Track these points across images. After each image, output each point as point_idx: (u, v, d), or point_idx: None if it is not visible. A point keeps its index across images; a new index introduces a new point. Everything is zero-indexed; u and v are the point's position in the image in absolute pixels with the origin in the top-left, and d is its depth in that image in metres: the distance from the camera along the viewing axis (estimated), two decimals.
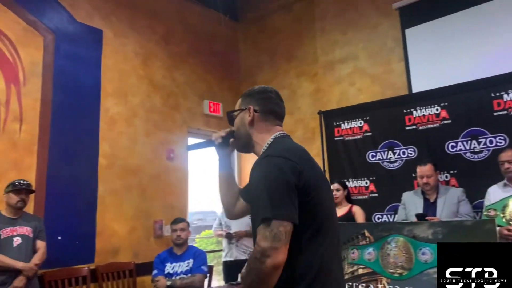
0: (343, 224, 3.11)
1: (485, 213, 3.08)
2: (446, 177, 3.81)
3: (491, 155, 3.56)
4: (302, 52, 5.35)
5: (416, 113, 4.10)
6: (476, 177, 3.58)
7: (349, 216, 3.62)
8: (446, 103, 3.91)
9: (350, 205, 3.74)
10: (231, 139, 1.49)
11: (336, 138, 4.63)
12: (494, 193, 3.14)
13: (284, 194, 1.17)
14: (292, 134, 5.82)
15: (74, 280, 3.65)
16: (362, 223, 3.41)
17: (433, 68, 4.27)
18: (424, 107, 4.05)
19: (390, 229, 2.12)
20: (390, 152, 4.24)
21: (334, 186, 3.76)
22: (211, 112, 5.35)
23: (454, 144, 3.82)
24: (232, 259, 4.35)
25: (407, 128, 4.14)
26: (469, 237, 2.24)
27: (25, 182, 3.21)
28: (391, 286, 2.38)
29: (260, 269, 1.12)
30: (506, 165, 3.09)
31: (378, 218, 4.19)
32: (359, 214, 3.64)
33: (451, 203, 3.30)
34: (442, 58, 4.22)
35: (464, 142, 3.77)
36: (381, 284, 2.41)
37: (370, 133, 4.39)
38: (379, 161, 4.28)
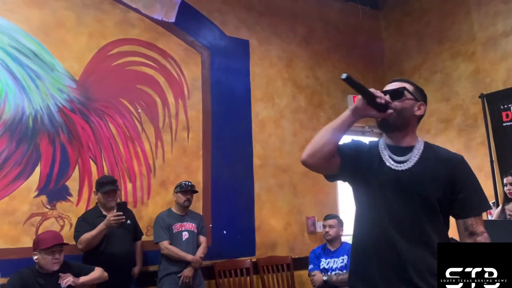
0: None
1: None
2: None
3: None
4: (456, 30, 4.81)
5: None
6: None
7: None
8: None
9: None
10: (390, 110, 1.44)
11: (505, 124, 4.05)
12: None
13: None
14: (450, 123, 5.29)
15: (239, 271, 4.02)
16: None
17: None
18: None
19: None
20: None
21: (508, 179, 3.30)
22: None
23: None
24: None
25: None
26: None
27: (189, 184, 3.62)
28: None
29: None
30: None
31: None
32: None
33: None
34: None
35: None
36: None
37: None
38: None
